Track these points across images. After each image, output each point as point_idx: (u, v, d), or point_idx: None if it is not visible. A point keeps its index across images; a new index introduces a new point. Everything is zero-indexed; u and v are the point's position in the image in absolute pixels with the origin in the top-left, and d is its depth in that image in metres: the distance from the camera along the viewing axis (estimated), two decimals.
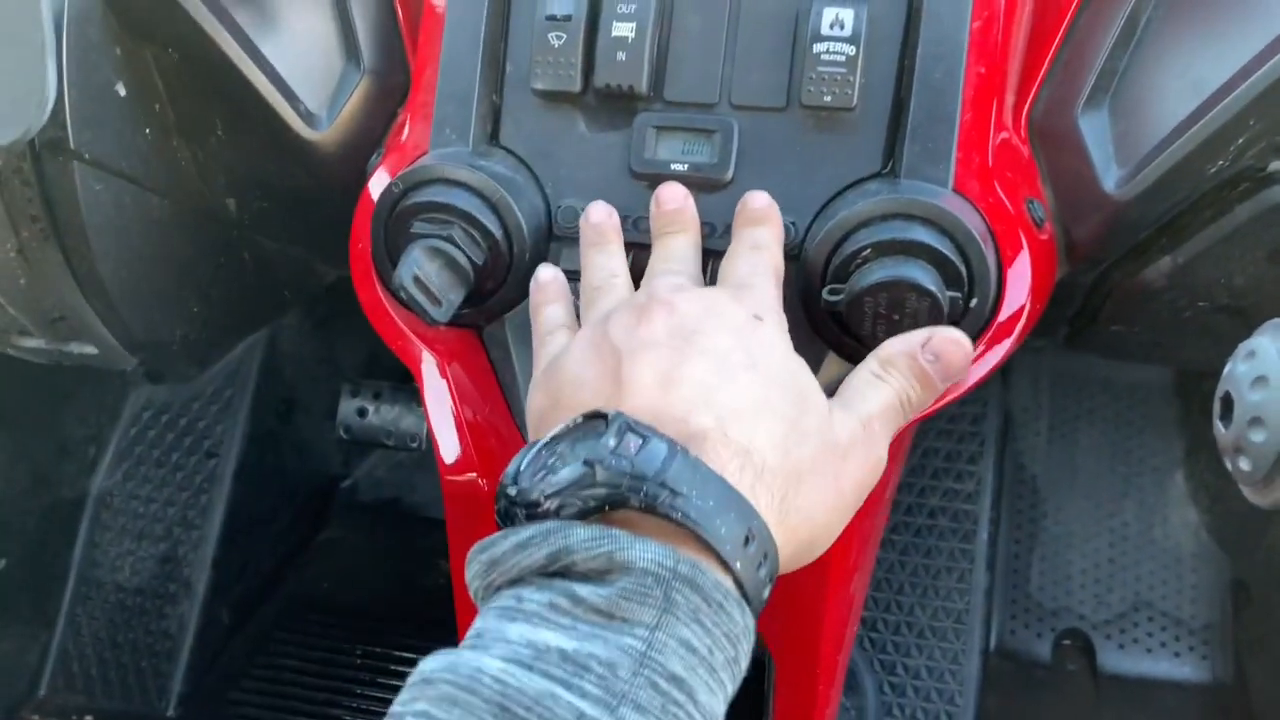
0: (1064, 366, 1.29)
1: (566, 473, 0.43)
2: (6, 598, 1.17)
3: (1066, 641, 1.18)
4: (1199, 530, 1.20)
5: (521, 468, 0.44)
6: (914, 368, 0.55)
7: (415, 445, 1.19)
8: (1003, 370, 1.10)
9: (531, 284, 0.63)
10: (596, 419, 0.45)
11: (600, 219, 0.63)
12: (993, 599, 1.18)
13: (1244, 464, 0.36)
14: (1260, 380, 0.35)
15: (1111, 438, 1.25)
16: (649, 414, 0.46)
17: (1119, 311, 0.73)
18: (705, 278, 0.62)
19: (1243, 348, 0.37)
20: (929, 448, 1.21)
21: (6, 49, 0.51)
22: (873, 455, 0.53)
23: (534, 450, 0.45)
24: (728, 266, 0.58)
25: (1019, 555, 1.22)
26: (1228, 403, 0.37)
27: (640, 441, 0.43)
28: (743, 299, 0.54)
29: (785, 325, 0.55)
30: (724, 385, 0.48)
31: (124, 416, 1.29)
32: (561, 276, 0.63)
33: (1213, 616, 1.16)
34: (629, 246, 0.64)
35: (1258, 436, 0.35)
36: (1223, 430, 0.38)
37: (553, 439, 0.45)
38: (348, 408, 1.23)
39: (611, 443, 0.43)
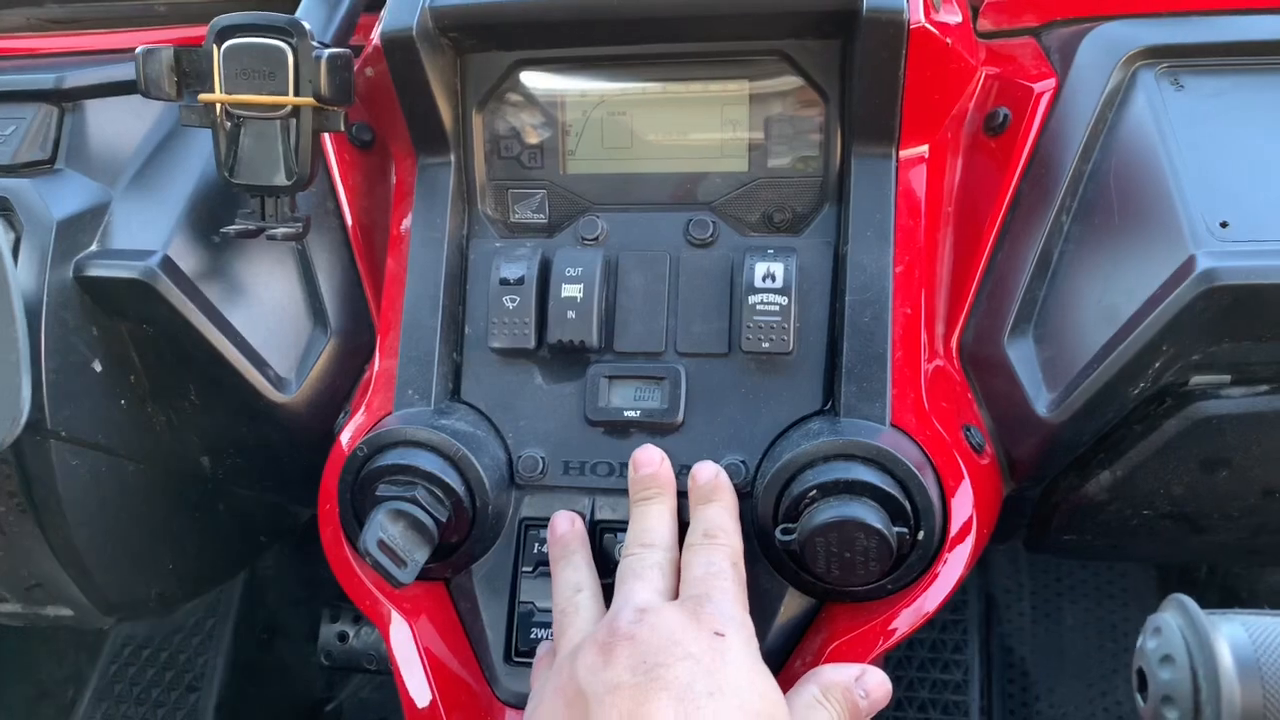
0: None
1: None
2: None
3: None
4: None
5: None
6: (848, 699, 0.58)
7: None
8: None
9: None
10: None
11: (564, 530, 0.65)
12: None
13: None
14: (1167, 659, 0.37)
15: (1095, 614, 1.25)
16: None
17: (1069, 523, 0.74)
18: None
19: (1150, 622, 0.39)
20: (913, 638, 1.20)
21: None
22: None
23: None
24: (686, 563, 0.61)
25: None
26: (1142, 678, 0.39)
27: None
28: (702, 615, 0.56)
29: (750, 630, 0.57)
30: None
31: (104, 653, 1.28)
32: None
33: None
34: (589, 492, 0.67)
35: (1171, 714, 0.36)
36: (1141, 704, 0.39)
37: None
38: (328, 633, 1.21)
39: None
